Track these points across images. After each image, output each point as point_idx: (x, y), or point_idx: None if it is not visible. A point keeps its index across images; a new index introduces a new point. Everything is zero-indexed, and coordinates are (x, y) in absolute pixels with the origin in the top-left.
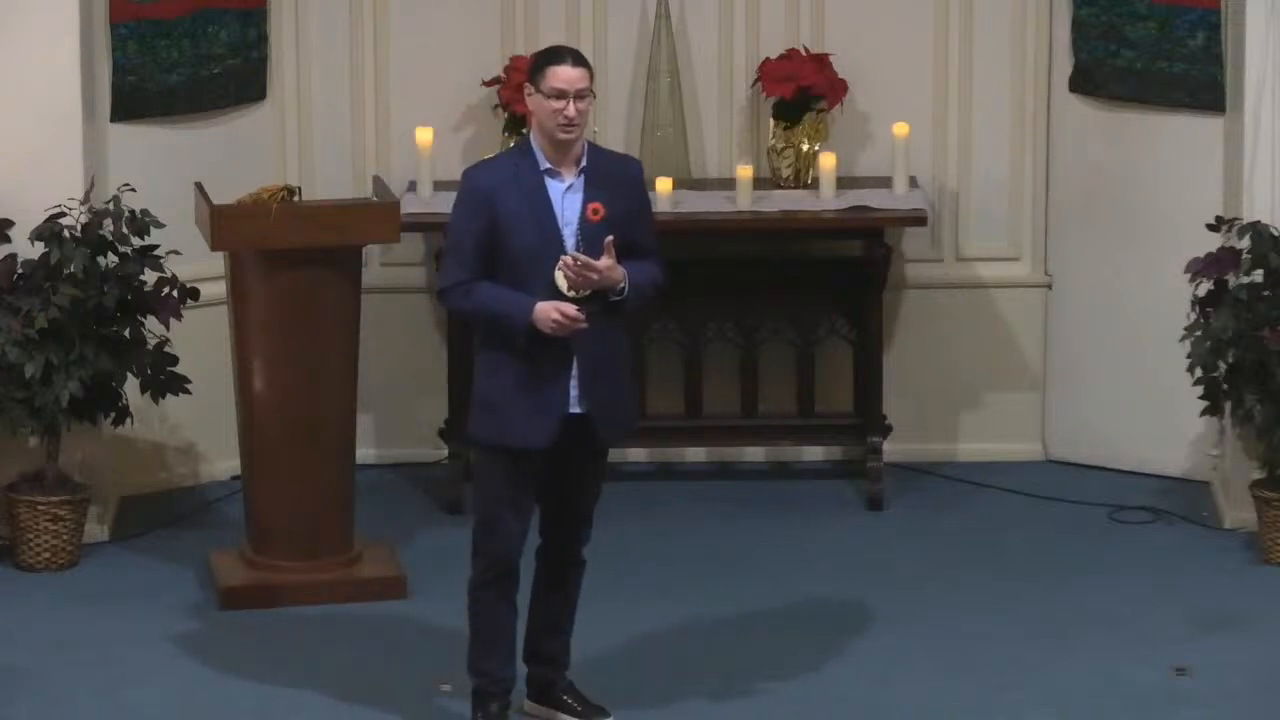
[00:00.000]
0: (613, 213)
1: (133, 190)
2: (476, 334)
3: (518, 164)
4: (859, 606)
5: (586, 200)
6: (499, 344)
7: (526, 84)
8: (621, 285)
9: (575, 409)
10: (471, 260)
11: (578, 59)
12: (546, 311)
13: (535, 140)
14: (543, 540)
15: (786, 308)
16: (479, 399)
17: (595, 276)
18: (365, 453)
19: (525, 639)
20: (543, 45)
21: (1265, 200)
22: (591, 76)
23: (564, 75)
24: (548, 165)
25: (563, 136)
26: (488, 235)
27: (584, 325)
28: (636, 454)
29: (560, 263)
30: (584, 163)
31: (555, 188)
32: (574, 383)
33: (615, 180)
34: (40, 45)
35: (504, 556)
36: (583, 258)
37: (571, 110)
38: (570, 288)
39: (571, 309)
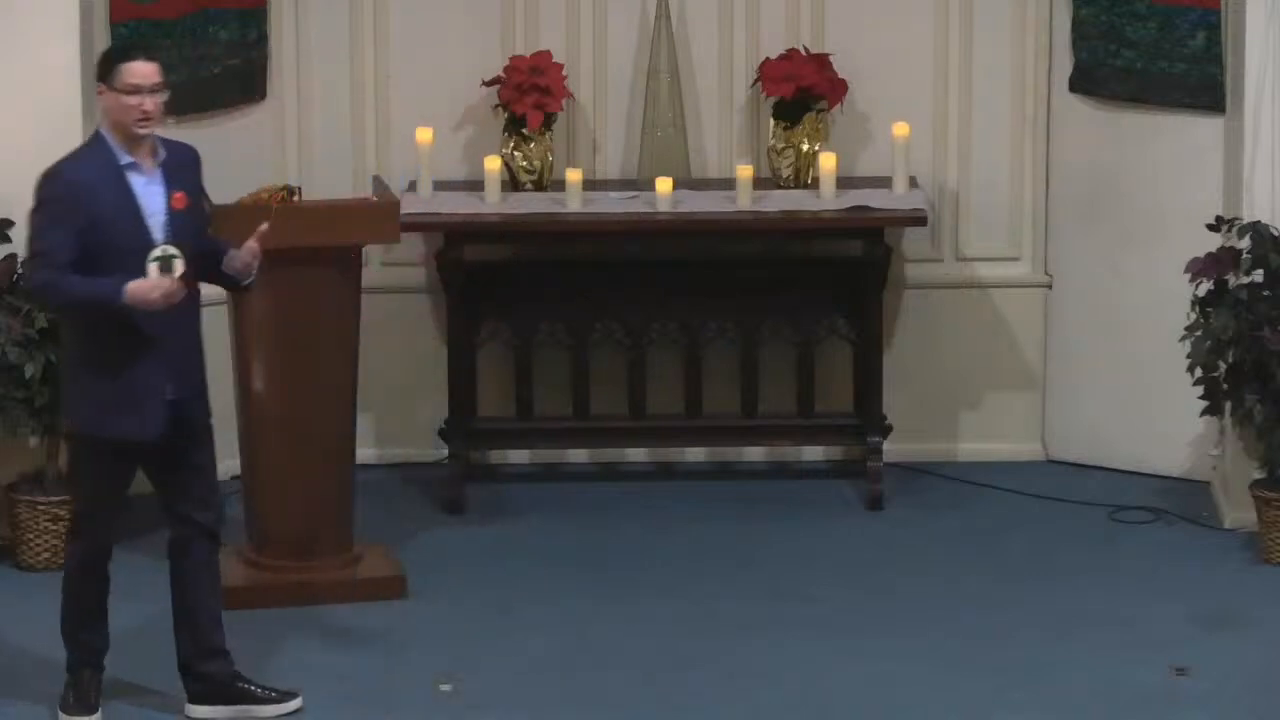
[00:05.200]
0: (192, 200)
1: None
2: (66, 329)
3: (102, 161)
4: (859, 606)
5: (169, 190)
6: (94, 334)
7: (99, 84)
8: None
9: (170, 395)
10: (66, 257)
11: (149, 55)
12: (146, 290)
13: (110, 138)
14: (175, 533)
15: (786, 308)
16: (81, 390)
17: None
18: (365, 453)
19: (186, 643)
20: (543, 45)
21: (1265, 200)
22: (161, 72)
23: (139, 70)
24: (129, 160)
25: (140, 131)
26: (83, 233)
27: (183, 290)
28: (636, 454)
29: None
30: (161, 155)
31: (137, 182)
32: (166, 369)
33: (186, 168)
34: (40, 45)
35: (105, 541)
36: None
37: (149, 104)
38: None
39: (169, 282)
